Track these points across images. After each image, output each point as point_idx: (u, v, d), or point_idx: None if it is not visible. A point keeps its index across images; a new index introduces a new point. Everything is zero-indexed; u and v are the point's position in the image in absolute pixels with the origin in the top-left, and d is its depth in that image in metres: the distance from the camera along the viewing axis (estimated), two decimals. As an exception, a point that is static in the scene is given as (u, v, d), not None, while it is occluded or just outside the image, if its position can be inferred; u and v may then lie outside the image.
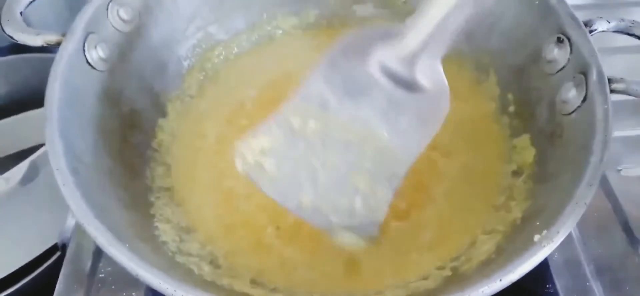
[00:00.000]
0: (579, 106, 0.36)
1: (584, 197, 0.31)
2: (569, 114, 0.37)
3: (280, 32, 0.55)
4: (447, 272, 0.37)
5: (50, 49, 0.38)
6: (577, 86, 0.37)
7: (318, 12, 0.55)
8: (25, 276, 0.49)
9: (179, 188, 0.43)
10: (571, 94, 0.37)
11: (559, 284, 0.40)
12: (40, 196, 0.51)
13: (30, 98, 0.60)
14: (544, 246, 0.29)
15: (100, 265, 0.42)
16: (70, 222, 0.44)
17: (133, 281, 0.38)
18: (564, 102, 0.37)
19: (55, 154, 0.32)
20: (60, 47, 0.37)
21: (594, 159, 0.32)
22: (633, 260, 0.42)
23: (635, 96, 0.36)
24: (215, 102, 0.50)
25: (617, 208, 0.44)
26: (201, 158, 0.46)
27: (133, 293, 0.40)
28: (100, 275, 0.41)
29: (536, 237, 0.30)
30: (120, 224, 0.34)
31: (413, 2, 0.52)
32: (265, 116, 0.46)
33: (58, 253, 0.47)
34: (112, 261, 0.29)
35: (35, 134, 0.46)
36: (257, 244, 0.40)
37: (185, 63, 0.50)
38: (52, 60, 0.37)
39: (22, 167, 0.54)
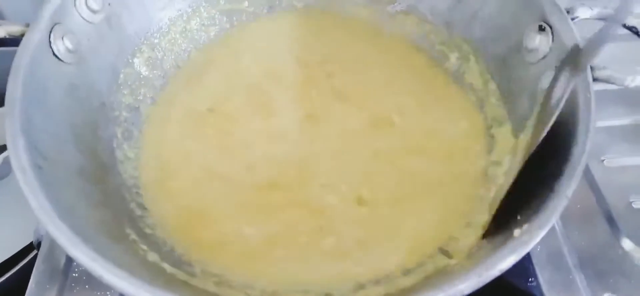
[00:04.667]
0: (561, 96, 0.35)
1: (566, 189, 0.30)
2: (552, 103, 0.36)
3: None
4: (429, 267, 0.36)
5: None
6: (559, 75, 0.36)
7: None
8: (1, 275, 0.48)
9: (152, 184, 0.42)
10: (553, 84, 0.36)
11: (542, 277, 0.39)
12: (15, 194, 0.49)
13: (5, 93, 0.59)
14: (525, 241, 0.28)
15: (74, 263, 0.41)
16: (46, 220, 0.43)
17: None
18: (546, 92, 0.37)
19: (15, 151, 0.31)
20: (23, 39, 0.36)
21: (576, 149, 0.31)
22: (616, 251, 0.41)
23: (618, 85, 0.35)
24: (190, 95, 0.48)
25: (600, 199, 0.44)
26: (175, 151, 0.44)
27: (107, 292, 0.40)
28: (74, 274, 0.41)
29: (516, 232, 0.29)
30: (89, 223, 0.33)
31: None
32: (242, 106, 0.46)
33: (34, 252, 0.46)
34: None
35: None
36: (232, 244, 0.39)
37: (159, 54, 0.48)
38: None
39: (-5, 163, 0.53)
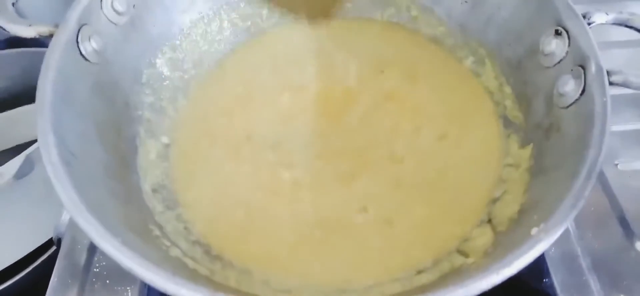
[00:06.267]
0: (577, 99, 0.36)
1: (583, 190, 0.30)
2: (567, 107, 0.37)
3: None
4: (445, 266, 0.36)
5: (46, 43, 0.38)
6: (575, 78, 0.36)
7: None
8: (20, 272, 0.49)
9: (175, 182, 0.43)
10: (569, 87, 0.36)
11: (556, 278, 0.39)
12: (35, 191, 0.50)
13: (26, 93, 0.60)
14: (542, 239, 0.28)
15: (95, 259, 0.41)
16: (66, 216, 0.44)
17: (128, 275, 0.37)
18: (562, 95, 0.37)
19: (47, 147, 0.32)
20: (53, 39, 0.37)
21: (592, 152, 0.32)
22: (630, 254, 0.41)
23: (634, 89, 0.35)
24: (213, 96, 0.49)
25: (613, 203, 0.44)
26: (198, 150, 0.45)
27: (128, 288, 0.40)
28: (95, 269, 0.41)
29: (533, 230, 0.29)
30: (114, 217, 0.33)
31: None
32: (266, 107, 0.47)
33: (53, 248, 0.47)
34: (106, 256, 0.28)
35: (31, 129, 0.45)
36: (254, 242, 0.39)
37: (181, 55, 0.49)
38: (48, 54, 0.36)
39: (17, 161, 0.54)
